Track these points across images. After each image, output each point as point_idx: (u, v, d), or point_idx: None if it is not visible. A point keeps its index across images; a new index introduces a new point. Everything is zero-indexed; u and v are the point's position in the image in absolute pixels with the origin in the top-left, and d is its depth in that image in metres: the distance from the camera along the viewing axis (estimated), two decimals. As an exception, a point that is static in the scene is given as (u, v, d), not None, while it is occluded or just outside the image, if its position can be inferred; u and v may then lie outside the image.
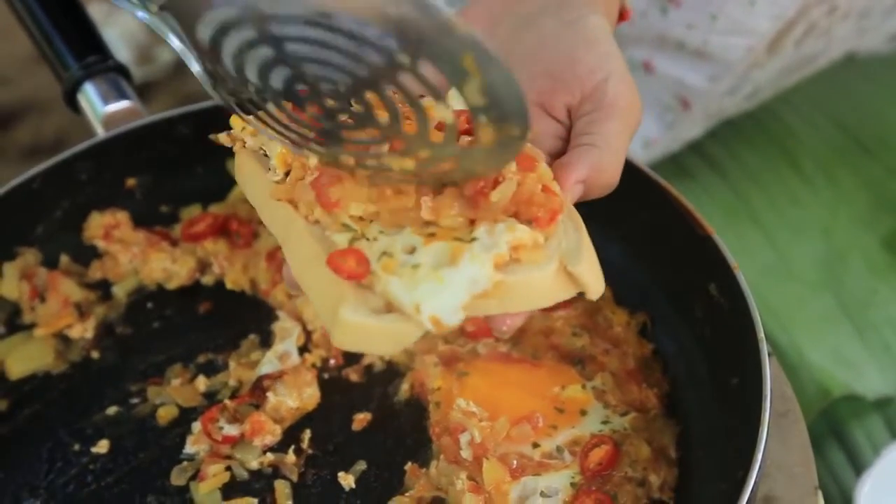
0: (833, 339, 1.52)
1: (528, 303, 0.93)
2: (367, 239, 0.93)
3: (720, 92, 1.56)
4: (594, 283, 0.94)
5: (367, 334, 0.90)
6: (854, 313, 1.54)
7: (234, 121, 1.03)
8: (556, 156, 1.02)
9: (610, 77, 1.03)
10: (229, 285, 1.28)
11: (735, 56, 1.51)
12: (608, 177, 1.01)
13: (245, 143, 1.04)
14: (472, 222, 0.93)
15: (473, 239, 0.91)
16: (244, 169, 1.05)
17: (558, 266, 0.92)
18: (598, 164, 1.00)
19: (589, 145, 1.01)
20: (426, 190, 0.94)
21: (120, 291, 1.30)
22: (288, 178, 0.99)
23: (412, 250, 0.92)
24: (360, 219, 0.94)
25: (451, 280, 0.89)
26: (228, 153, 1.33)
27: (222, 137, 1.05)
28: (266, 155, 1.02)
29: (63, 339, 1.24)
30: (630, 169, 1.22)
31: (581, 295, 0.94)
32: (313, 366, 1.22)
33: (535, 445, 1.12)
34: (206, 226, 1.31)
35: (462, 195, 0.93)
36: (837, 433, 1.48)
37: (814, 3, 1.49)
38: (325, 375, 1.22)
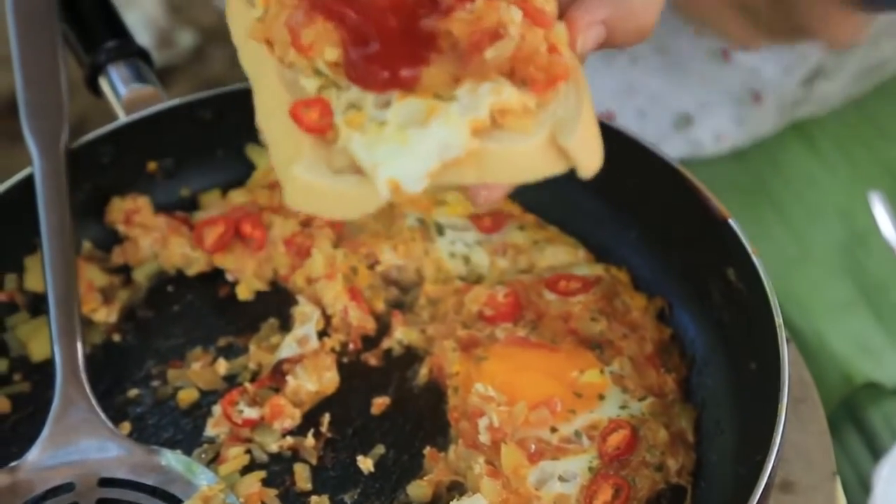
0: (853, 325, 1.51)
1: (509, 175, 0.84)
2: (339, 87, 0.85)
3: (793, 85, 1.55)
4: (587, 159, 0.83)
5: (321, 195, 0.82)
6: (874, 297, 1.54)
7: None
8: None
9: None
10: (241, 296, 1.27)
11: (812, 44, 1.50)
12: (639, 19, 0.87)
13: None
14: (459, 80, 0.83)
15: (453, 98, 0.83)
16: (232, 7, 0.95)
17: (548, 137, 0.83)
18: (625, 3, 0.86)
19: None
20: None
21: (140, 276, 1.30)
22: (266, 16, 0.89)
23: (386, 104, 0.83)
24: (336, 65, 0.85)
25: (418, 142, 0.80)
26: (249, 138, 1.34)
27: None
28: None
29: (84, 321, 1.24)
30: (645, 153, 1.22)
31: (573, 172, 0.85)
32: (332, 350, 1.22)
33: (553, 430, 1.12)
34: (216, 236, 1.28)
35: (454, 48, 0.83)
36: (855, 418, 1.48)
37: None
38: (345, 360, 1.23)
